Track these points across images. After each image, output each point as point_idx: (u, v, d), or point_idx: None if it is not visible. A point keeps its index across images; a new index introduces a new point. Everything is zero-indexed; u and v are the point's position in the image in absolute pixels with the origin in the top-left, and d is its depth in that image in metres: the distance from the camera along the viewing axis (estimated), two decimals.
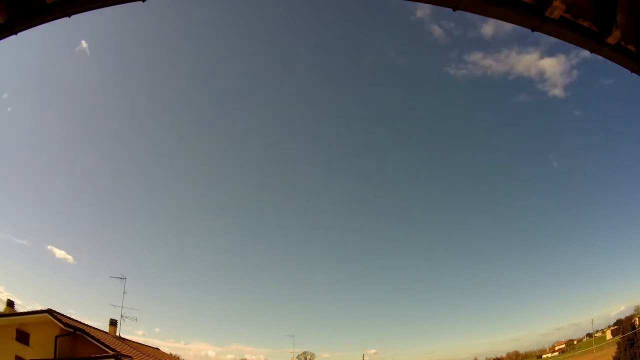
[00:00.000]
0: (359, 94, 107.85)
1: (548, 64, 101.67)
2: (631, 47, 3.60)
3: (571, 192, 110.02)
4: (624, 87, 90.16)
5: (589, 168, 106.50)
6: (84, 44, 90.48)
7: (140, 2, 3.55)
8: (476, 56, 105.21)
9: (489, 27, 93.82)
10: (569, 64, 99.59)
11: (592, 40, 3.67)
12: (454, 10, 3.61)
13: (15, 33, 3.34)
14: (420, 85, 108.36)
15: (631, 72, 3.84)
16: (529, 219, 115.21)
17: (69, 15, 3.38)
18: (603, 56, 3.77)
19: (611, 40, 3.55)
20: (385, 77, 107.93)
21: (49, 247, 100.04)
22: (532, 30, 3.70)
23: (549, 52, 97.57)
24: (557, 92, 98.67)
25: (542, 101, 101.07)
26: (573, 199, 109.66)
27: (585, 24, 3.61)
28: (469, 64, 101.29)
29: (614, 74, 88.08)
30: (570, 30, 3.65)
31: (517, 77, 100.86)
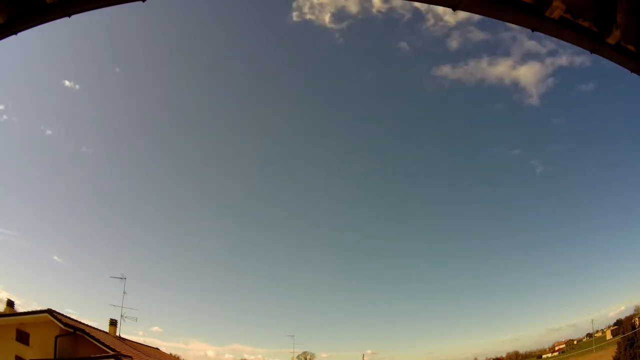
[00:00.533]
0: (357, 94, 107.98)
1: (522, 73, 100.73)
2: (631, 47, 3.59)
3: (569, 193, 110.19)
4: (603, 91, 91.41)
5: (589, 168, 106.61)
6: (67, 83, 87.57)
7: (140, 2, 3.56)
8: (445, 69, 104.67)
9: (454, 41, 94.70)
10: (545, 72, 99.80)
11: (592, 40, 3.67)
12: (454, 10, 3.61)
13: (15, 33, 3.34)
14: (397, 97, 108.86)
15: (631, 72, 3.84)
16: (529, 219, 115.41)
17: (69, 15, 3.38)
18: (603, 56, 3.77)
19: (611, 40, 3.55)
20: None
21: (48, 246, 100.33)
22: (532, 30, 3.70)
23: (522, 61, 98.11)
24: (533, 100, 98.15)
25: (518, 110, 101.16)
26: (572, 199, 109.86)
27: (585, 24, 3.61)
28: (437, 78, 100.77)
29: (592, 79, 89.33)
30: (570, 30, 3.65)
31: (491, 87, 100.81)
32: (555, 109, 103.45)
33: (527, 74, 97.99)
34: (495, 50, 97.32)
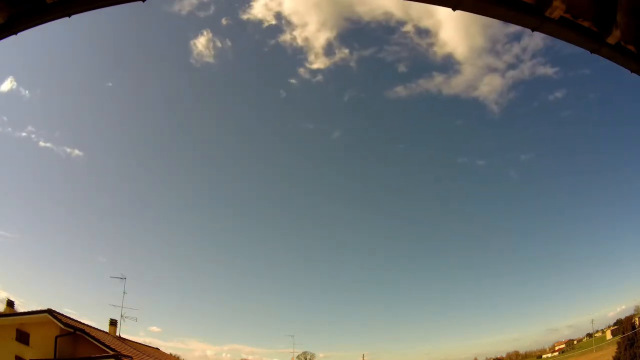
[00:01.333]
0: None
1: (480, 90, 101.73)
2: (631, 47, 3.59)
3: (568, 193, 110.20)
4: (573, 99, 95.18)
5: (584, 169, 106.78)
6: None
7: (140, 2, 3.55)
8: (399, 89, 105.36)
9: (402, 66, 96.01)
10: (506, 85, 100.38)
11: (592, 40, 3.66)
12: (454, 10, 3.60)
13: (15, 33, 3.33)
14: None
15: (631, 72, 3.83)
16: (529, 219, 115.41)
17: (69, 15, 3.37)
18: (603, 56, 3.76)
19: (611, 40, 3.55)
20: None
21: (48, 247, 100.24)
22: (532, 30, 3.70)
23: (481, 76, 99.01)
24: (495, 113, 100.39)
25: (480, 123, 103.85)
26: (572, 200, 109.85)
27: (585, 24, 3.60)
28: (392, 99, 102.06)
29: (559, 88, 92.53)
30: (570, 30, 3.64)
31: (450, 104, 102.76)
32: (520, 120, 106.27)
33: (486, 90, 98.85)
34: (449, 69, 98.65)
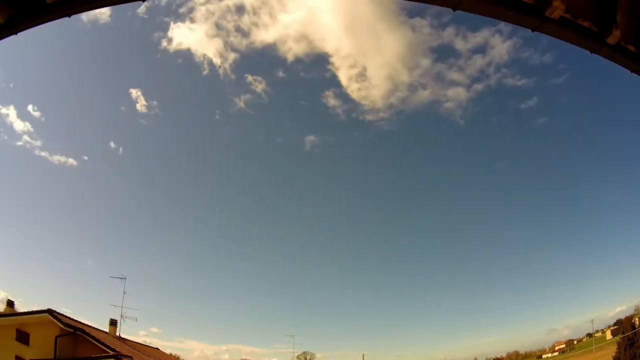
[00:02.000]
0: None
1: (447, 104, 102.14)
2: (631, 47, 3.59)
3: (569, 192, 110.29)
4: (545, 107, 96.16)
5: (579, 171, 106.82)
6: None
7: (140, 2, 3.56)
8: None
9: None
10: (471, 97, 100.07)
11: (592, 40, 3.67)
12: (454, 10, 3.60)
13: (15, 33, 3.33)
14: None
15: (631, 72, 3.83)
16: (529, 220, 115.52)
17: (69, 15, 3.37)
18: (603, 56, 3.76)
19: (611, 40, 3.55)
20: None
21: (48, 248, 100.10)
22: (532, 30, 3.70)
23: (444, 90, 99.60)
24: (461, 125, 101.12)
25: (448, 134, 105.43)
26: (571, 199, 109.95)
27: (585, 24, 3.61)
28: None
29: (529, 97, 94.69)
30: (570, 30, 3.64)
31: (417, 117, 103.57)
32: (490, 129, 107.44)
33: (450, 103, 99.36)
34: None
